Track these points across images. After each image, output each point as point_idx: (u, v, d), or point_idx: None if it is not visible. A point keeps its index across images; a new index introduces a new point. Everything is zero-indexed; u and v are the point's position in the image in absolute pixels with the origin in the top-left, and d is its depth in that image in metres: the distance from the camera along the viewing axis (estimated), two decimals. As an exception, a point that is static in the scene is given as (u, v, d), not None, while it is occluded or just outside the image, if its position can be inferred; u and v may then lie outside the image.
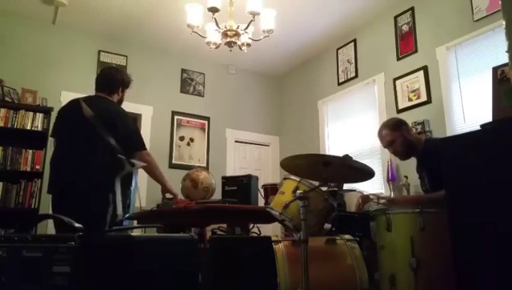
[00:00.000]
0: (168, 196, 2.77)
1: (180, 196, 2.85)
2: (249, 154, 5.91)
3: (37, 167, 4.09)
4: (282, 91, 6.20)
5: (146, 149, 2.66)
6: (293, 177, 2.14)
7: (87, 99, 2.60)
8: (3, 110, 4.05)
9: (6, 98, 4.14)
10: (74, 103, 2.58)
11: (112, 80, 2.70)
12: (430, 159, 2.55)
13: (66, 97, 4.55)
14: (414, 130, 3.89)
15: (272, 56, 5.57)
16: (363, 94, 4.75)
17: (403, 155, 2.74)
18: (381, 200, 2.73)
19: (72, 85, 4.65)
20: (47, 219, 3.72)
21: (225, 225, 3.08)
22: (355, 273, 2.06)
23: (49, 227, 3.80)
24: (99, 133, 2.42)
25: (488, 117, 1.74)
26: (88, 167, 2.39)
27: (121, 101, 2.74)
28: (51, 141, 3.98)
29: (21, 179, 4.04)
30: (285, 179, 2.20)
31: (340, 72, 5.09)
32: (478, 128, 1.73)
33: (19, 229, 1.50)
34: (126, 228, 2.78)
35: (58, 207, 2.40)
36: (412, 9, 4.20)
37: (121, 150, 2.47)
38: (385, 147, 2.80)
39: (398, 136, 2.68)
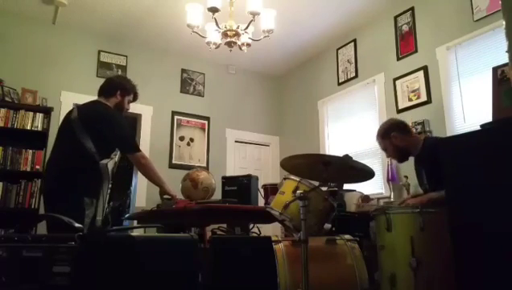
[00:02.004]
0: (167, 197, 2.76)
1: (180, 197, 2.84)
2: (249, 154, 5.91)
3: (37, 167, 4.08)
4: (282, 91, 6.20)
5: (138, 151, 2.64)
6: (293, 177, 2.14)
7: (83, 104, 2.69)
8: (3, 110, 4.05)
9: (6, 98, 4.14)
10: (70, 111, 2.68)
11: (109, 84, 2.77)
12: (426, 158, 2.56)
13: (66, 97, 4.58)
14: (414, 130, 3.89)
15: (272, 56, 5.57)
16: (363, 94, 4.75)
17: (397, 160, 2.82)
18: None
19: (72, 85, 4.65)
20: (47, 219, 3.72)
21: (224, 225, 3.08)
22: (355, 273, 2.06)
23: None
24: (76, 136, 2.47)
25: (488, 117, 1.74)
26: (58, 169, 2.49)
27: (120, 105, 2.74)
28: (51, 142, 4.02)
29: (21, 179, 4.04)
30: (285, 179, 2.20)
31: (340, 72, 5.08)
32: (478, 128, 1.73)
33: (19, 229, 1.50)
34: (126, 228, 2.78)
35: (44, 208, 2.53)
36: (412, 9, 4.20)
37: (98, 152, 2.47)
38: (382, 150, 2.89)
39: (387, 144, 2.72)
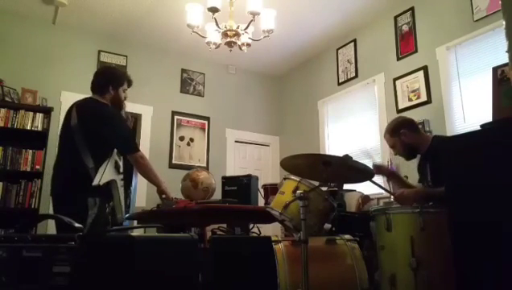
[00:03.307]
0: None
1: (179, 197, 2.84)
2: (249, 154, 5.91)
3: (37, 167, 4.08)
4: (282, 91, 6.20)
5: (138, 151, 2.61)
6: (293, 177, 2.14)
7: (80, 103, 2.62)
8: (3, 110, 4.05)
9: (6, 98, 4.14)
10: (69, 109, 2.62)
11: (101, 79, 2.67)
12: (433, 156, 2.57)
13: (66, 97, 4.57)
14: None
15: (272, 56, 5.56)
16: (363, 94, 4.75)
17: (405, 157, 2.79)
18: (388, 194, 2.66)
19: (72, 85, 4.64)
20: (47, 219, 3.73)
21: (224, 225, 3.08)
22: (355, 273, 2.06)
23: (49, 227, 3.80)
24: (75, 143, 2.44)
25: (488, 117, 1.74)
26: (63, 176, 2.49)
27: (116, 99, 2.66)
28: (51, 141, 3.98)
29: (21, 179, 4.04)
30: (285, 179, 2.20)
31: (340, 72, 5.08)
32: (478, 128, 1.73)
33: (19, 229, 1.50)
34: (126, 228, 2.78)
35: (53, 210, 2.51)
36: (412, 9, 4.20)
37: (96, 166, 2.42)
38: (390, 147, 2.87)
39: (396, 141, 2.72)
